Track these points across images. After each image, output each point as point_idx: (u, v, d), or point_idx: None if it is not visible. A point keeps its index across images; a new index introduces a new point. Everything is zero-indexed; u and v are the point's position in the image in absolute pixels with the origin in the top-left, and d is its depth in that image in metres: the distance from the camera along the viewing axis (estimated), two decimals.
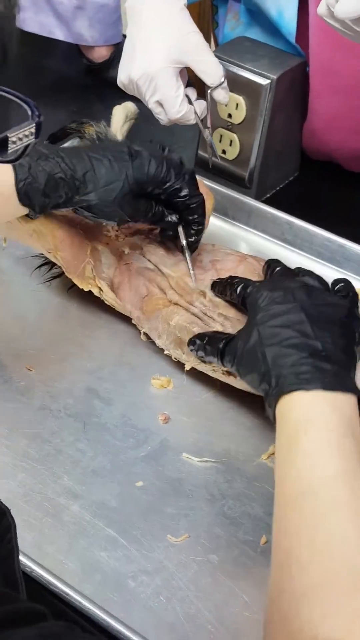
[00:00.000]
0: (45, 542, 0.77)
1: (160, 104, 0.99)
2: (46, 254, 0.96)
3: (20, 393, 0.89)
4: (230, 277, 0.89)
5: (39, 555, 0.74)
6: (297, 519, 0.64)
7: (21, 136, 0.52)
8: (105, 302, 0.95)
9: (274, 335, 0.75)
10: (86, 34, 1.37)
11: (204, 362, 0.86)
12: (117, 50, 1.39)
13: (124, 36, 1.40)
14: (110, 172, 0.88)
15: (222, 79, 0.99)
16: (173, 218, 0.93)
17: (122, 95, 1.16)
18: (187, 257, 0.93)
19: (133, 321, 0.94)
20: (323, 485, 0.64)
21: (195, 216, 0.93)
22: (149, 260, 0.95)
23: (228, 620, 0.72)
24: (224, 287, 0.89)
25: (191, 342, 0.85)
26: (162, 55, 0.96)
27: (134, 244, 0.97)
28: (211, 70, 0.98)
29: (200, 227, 0.93)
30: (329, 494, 0.64)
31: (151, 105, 1.00)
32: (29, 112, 0.53)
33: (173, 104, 0.98)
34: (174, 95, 0.97)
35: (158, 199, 0.91)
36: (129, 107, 1.14)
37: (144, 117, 1.19)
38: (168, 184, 0.90)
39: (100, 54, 1.40)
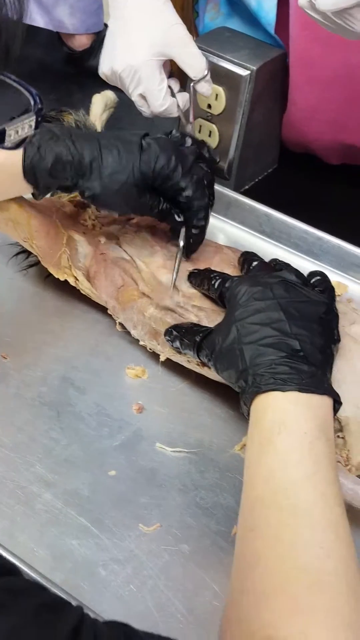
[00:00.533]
0: (16, 530, 0.76)
1: (144, 97, 0.98)
2: (22, 243, 0.96)
3: None
4: (209, 270, 0.89)
5: (10, 543, 0.74)
6: (265, 519, 0.64)
7: (19, 129, 0.52)
8: (81, 291, 0.94)
9: (252, 332, 0.75)
10: (67, 22, 1.37)
11: (180, 353, 0.86)
12: (98, 39, 1.39)
13: (106, 25, 1.40)
14: (117, 163, 0.87)
15: (206, 72, 0.99)
16: (180, 217, 0.92)
17: (103, 84, 1.16)
18: (177, 259, 0.92)
19: (109, 311, 0.94)
20: (293, 486, 0.64)
21: (195, 219, 0.91)
22: (125, 251, 0.95)
23: (198, 610, 0.72)
24: (201, 280, 0.89)
25: (168, 332, 0.85)
26: (145, 48, 0.96)
27: (111, 234, 0.97)
28: (195, 63, 0.98)
29: (198, 231, 0.92)
30: (298, 496, 0.64)
31: (134, 97, 0.99)
32: (32, 103, 0.53)
33: (157, 97, 0.98)
34: (158, 89, 0.97)
35: (166, 196, 0.91)
36: (108, 95, 1.13)
37: (124, 106, 1.18)
38: (173, 181, 0.88)
39: (81, 42, 1.39)
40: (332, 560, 0.60)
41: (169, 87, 0.99)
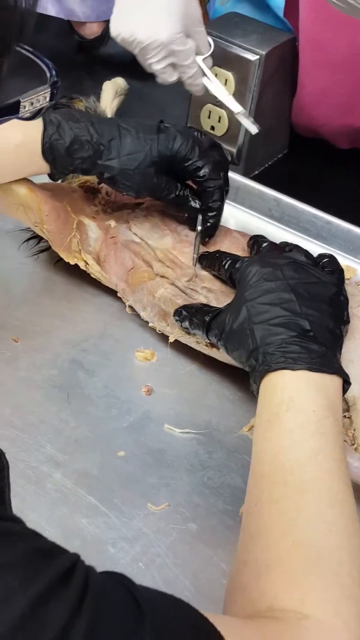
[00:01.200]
0: (26, 509, 0.77)
1: (172, 65, 1.00)
2: (33, 228, 0.96)
3: (6, 363, 0.90)
4: (219, 252, 0.90)
5: None
6: (269, 494, 0.64)
7: (34, 101, 0.52)
8: (92, 275, 0.95)
9: (263, 312, 0.75)
10: (78, 10, 1.37)
11: (189, 333, 0.86)
12: (108, 26, 1.38)
13: None
14: (135, 142, 0.90)
15: (212, 47, 1.03)
16: (196, 204, 0.93)
17: (113, 72, 1.17)
18: (196, 243, 0.93)
19: (118, 294, 0.94)
20: (299, 463, 0.65)
21: (211, 201, 0.93)
22: (135, 234, 0.95)
23: (205, 587, 0.73)
24: (212, 262, 0.89)
25: (177, 312, 0.86)
26: (173, 23, 0.96)
27: (121, 218, 0.97)
28: (205, 40, 1.01)
29: (214, 213, 0.93)
30: (304, 472, 0.64)
31: (159, 67, 1.00)
32: (47, 75, 0.53)
33: (190, 67, 1.01)
34: (191, 61, 1.00)
35: (182, 179, 0.92)
36: (118, 82, 1.14)
37: (135, 93, 1.19)
38: (190, 162, 0.91)
39: (92, 30, 1.40)
40: (335, 536, 0.61)
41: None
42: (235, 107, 1.05)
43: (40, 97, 0.52)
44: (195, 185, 0.93)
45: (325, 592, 0.57)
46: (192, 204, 0.93)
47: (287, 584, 0.58)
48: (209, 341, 0.84)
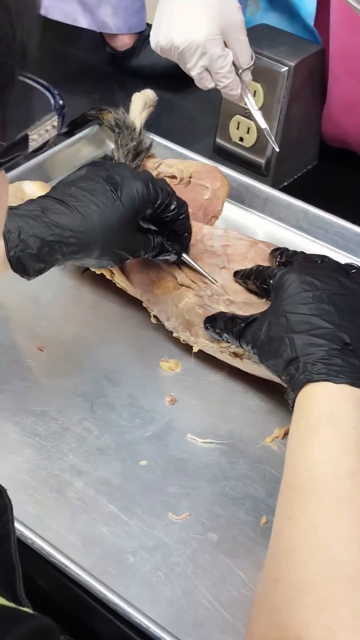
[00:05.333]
0: (48, 516, 0.78)
1: (207, 70, 0.99)
2: None
3: (31, 372, 0.91)
4: (257, 266, 0.89)
5: (41, 529, 0.75)
6: (303, 509, 0.63)
7: (42, 132, 0.50)
8: (117, 285, 0.96)
9: (303, 322, 0.74)
10: (110, 22, 1.38)
11: (220, 339, 0.85)
12: (140, 38, 1.40)
13: (148, 25, 1.41)
14: (103, 214, 0.83)
15: (253, 61, 1.00)
16: (172, 255, 0.90)
17: (145, 84, 1.17)
18: (196, 267, 0.91)
19: (143, 304, 0.95)
20: (335, 480, 0.64)
21: (186, 224, 0.90)
22: None
23: (224, 597, 0.73)
24: (247, 275, 0.89)
25: (209, 319, 0.85)
26: (208, 25, 0.95)
27: None
28: (246, 52, 0.99)
29: (189, 234, 0.91)
30: (340, 489, 0.63)
31: (196, 72, 0.99)
32: (52, 102, 0.51)
33: (221, 72, 0.98)
34: (223, 64, 0.98)
35: (152, 228, 0.89)
36: (147, 94, 1.15)
37: (165, 105, 1.20)
38: (159, 201, 0.86)
39: (124, 43, 1.41)
40: None
41: (234, 64, 1.00)
42: (262, 122, 1.05)
43: (49, 126, 0.50)
44: (166, 218, 0.88)
45: (354, 618, 0.55)
46: (169, 254, 0.90)
47: (315, 608, 0.56)
48: (240, 347, 0.83)
